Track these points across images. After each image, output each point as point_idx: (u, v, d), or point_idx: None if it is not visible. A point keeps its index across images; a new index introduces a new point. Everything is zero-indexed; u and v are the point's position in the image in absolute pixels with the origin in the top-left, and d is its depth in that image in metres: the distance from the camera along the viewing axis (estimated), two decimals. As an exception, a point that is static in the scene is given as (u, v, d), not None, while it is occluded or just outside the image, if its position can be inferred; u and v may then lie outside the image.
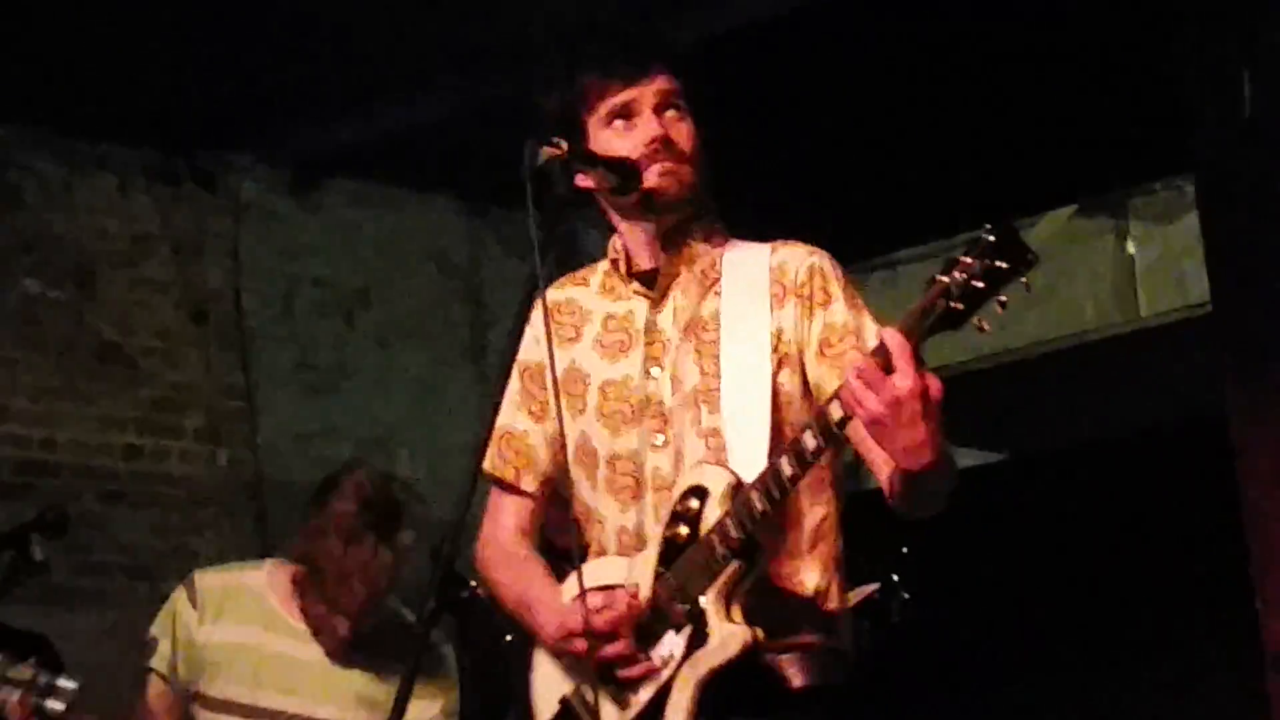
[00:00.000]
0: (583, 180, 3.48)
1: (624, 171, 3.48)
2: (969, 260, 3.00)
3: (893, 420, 3.09)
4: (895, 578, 5.41)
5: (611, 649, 3.38)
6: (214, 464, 7.65)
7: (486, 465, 3.61)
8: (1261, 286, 6.18)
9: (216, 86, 7.20)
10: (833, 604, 3.50)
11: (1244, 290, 6.27)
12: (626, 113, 3.51)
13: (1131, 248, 8.18)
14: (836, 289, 3.49)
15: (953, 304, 3.01)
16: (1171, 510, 7.69)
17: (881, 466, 3.35)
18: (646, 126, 3.50)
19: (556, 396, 3.50)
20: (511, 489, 3.67)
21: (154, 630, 4.84)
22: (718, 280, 3.55)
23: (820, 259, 3.53)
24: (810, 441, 3.24)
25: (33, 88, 7.06)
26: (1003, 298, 3.00)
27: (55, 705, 4.44)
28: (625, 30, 3.66)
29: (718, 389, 3.47)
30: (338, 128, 7.66)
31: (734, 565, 3.32)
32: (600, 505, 3.56)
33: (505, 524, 3.68)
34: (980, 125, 7.25)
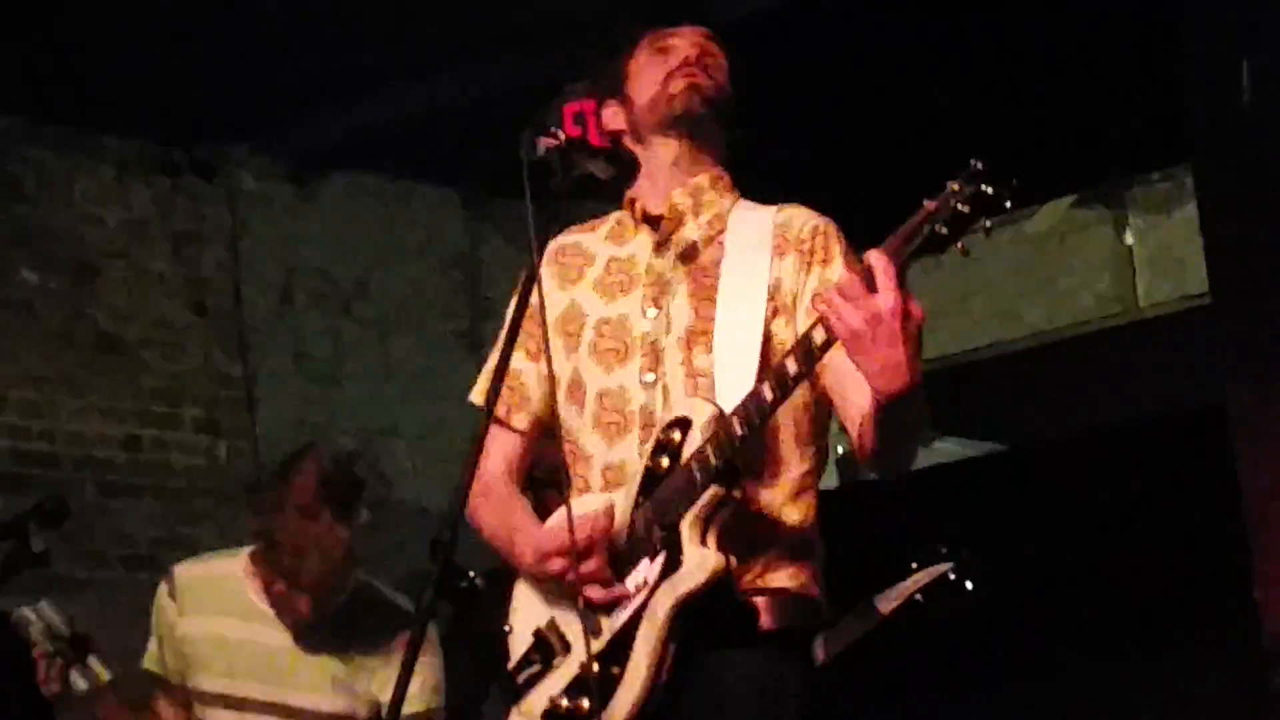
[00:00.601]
0: (611, 120, 3.56)
1: (620, 160, 3.51)
2: (956, 186, 3.05)
3: (872, 336, 3.11)
4: (964, 554, 5.44)
5: (585, 567, 3.39)
6: (213, 454, 7.65)
7: (475, 397, 3.67)
8: (1260, 277, 6.18)
9: (215, 78, 7.19)
10: (810, 546, 3.52)
11: (1242, 280, 6.27)
12: (667, 48, 3.62)
13: (1130, 238, 8.18)
14: (837, 250, 3.53)
15: (938, 227, 3.05)
16: (1171, 500, 7.68)
17: (854, 416, 3.38)
18: (683, 51, 3.61)
19: (546, 344, 3.50)
20: (502, 424, 3.67)
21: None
22: (722, 231, 3.59)
23: (825, 223, 3.58)
24: (791, 366, 3.26)
25: (31, 79, 7.06)
26: (987, 223, 3.05)
27: (80, 682, 4.46)
28: (604, 22, 3.71)
29: (710, 331, 3.49)
30: (336, 118, 7.66)
31: (711, 491, 3.34)
32: (588, 442, 3.57)
33: (493, 458, 3.67)
34: (978, 115, 7.24)
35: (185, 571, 4.87)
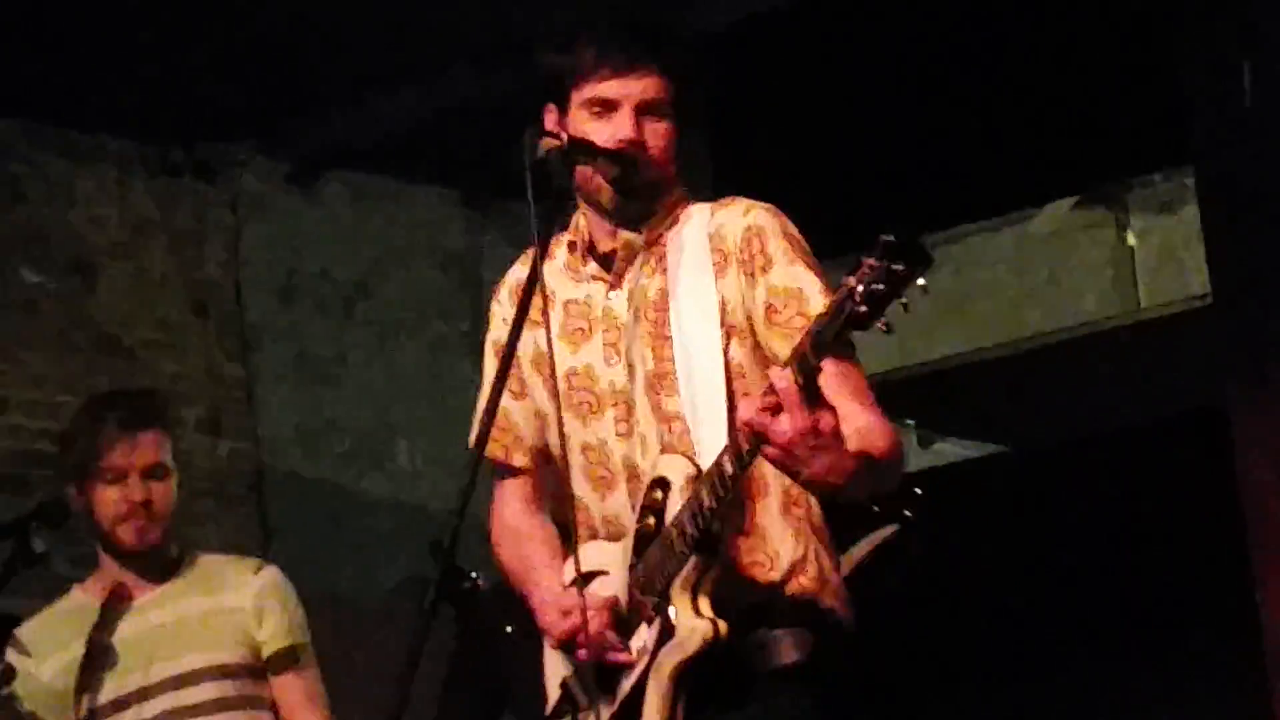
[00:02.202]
0: (552, 125, 3.50)
1: (623, 162, 3.47)
2: (871, 262, 2.97)
3: (789, 461, 3.13)
4: (909, 514, 5.43)
5: (581, 654, 3.42)
6: (214, 455, 7.65)
7: (472, 443, 3.62)
8: (1262, 278, 6.18)
9: (217, 79, 7.19)
10: (808, 576, 3.48)
11: (1244, 282, 6.27)
12: (607, 105, 3.49)
13: (1131, 239, 8.17)
14: (775, 248, 3.45)
15: (857, 308, 2.98)
16: (1172, 502, 7.68)
17: None
18: (622, 124, 3.47)
19: (552, 374, 3.50)
20: (505, 467, 3.69)
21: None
22: (664, 257, 3.53)
23: (755, 216, 3.49)
24: (728, 467, 3.25)
25: (33, 80, 7.06)
26: (904, 299, 2.97)
27: None
28: (634, 19, 3.64)
29: (673, 372, 3.46)
30: (338, 120, 7.66)
31: (693, 560, 3.34)
32: (581, 491, 3.56)
33: (508, 502, 3.70)
34: (980, 117, 7.24)
35: (25, 629, 4.83)
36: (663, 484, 3.40)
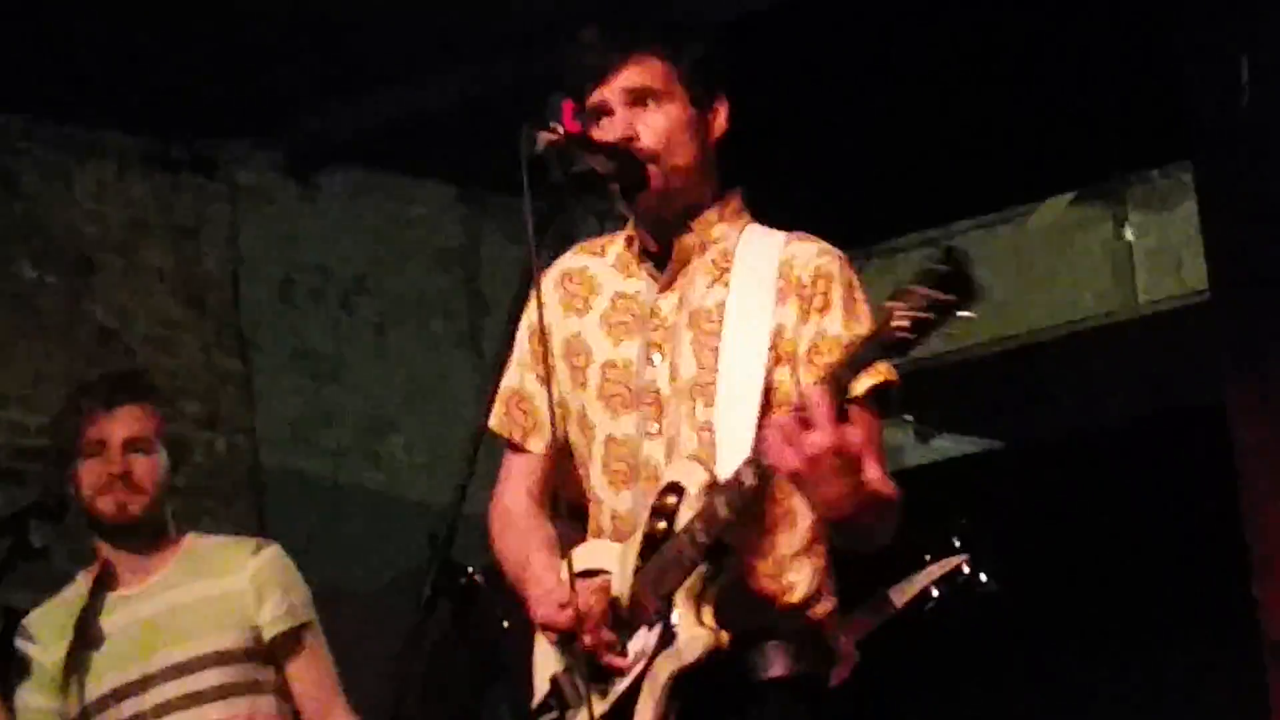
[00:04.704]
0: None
1: (618, 156, 3.47)
2: (920, 290, 2.99)
3: (810, 475, 3.13)
4: (979, 546, 5.43)
5: (579, 645, 3.40)
6: (212, 451, 7.64)
7: (493, 424, 3.63)
8: (1260, 274, 6.18)
9: (215, 73, 7.19)
10: (820, 610, 3.51)
11: (1242, 277, 6.27)
12: (603, 112, 3.51)
13: (1129, 235, 8.18)
14: (837, 295, 3.47)
15: (899, 332, 3.01)
16: (1170, 499, 7.69)
17: None
18: (614, 126, 3.50)
19: (549, 372, 3.50)
20: (518, 449, 3.68)
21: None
22: (728, 270, 3.53)
23: (829, 261, 3.51)
24: (748, 479, 3.26)
25: (30, 74, 7.05)
26: (948, 330, 3.00)
27: None
28: (605, 19, 3.64)
29: (714, 383, 3.46)
30: (336, 115, 7.66)
31: (701, 568, 3.34)
32: (596, 485, 3.56)
33: (514, 485, 3.69)
34: (978, 112, 7.24)
35: (34, 615, 4.85)
36: (677, 489, 3.40)
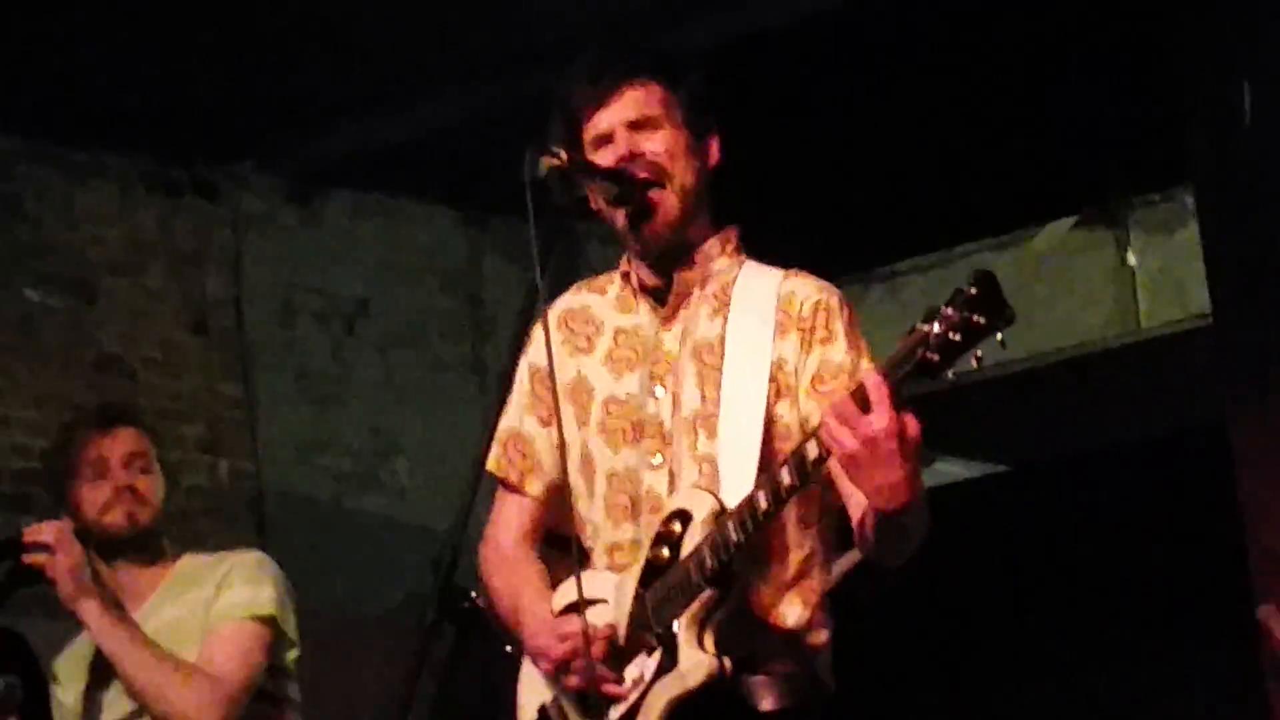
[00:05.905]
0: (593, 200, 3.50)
1: (622, 181, 3.48)
2: (949, 312, 2.99)
3: (868, 458, 3.10)
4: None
5: (573, 681, 3.40)
6: (215, 474, 7.64)
7: (491, 465, 3.62)
8: (1262, 296, 6.19)
9: (217, 97, 7.20)
10: (813, 639, 3.50)
11: (1244, 300, 6.28)
12: (604, 139, 3.53)
13: (1132, 258, 8.19)
14: (839, 327, 3.48)
15: (929, 354, 3.01)
16: (1172, 520, 7.69)
17: (855, 509, 3.36)
18: (615, 149, 3.51)
19: (556, 407, 3.49)
20: (515, 490, 3.67)
21: None
22: (727, 304, 3.53)
23: (828, 295, 3.52)
24: (785, 478, 3.25)
25: (33, 98, 7.07)
26: (978, 353, 3.00)
27: None
28: (603, 44, 3.65)
29: (716, 415, 3.46)
30: (338, 138, 7.66)
31: (707, 593, 3.33)
32: (595, 519, 3.56)
33: (507, 526, 3.68)
34: (981, 136, 7.25)
35: (59, 658, 4.84)
36: (683, 516, 3.40)
